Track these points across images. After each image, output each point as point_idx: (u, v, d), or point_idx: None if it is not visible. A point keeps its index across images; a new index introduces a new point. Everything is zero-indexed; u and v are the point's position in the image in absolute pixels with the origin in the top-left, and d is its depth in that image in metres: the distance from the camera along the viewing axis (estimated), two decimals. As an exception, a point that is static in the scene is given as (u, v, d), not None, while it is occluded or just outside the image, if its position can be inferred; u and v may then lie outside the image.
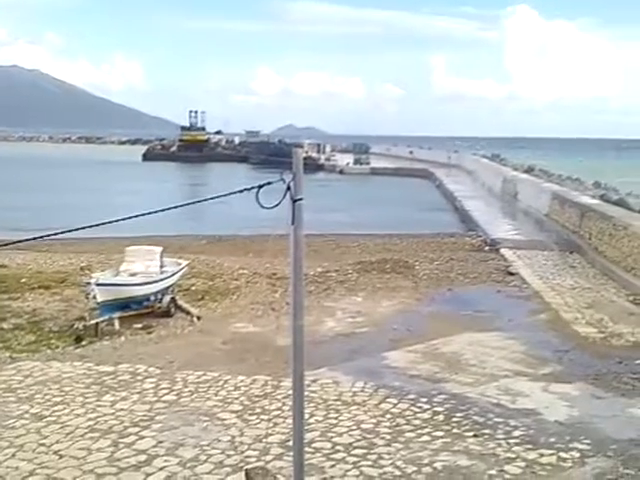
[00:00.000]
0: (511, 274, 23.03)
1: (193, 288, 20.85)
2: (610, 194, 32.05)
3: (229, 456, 9.86)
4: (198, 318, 17.66)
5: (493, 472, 9.44)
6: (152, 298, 17.95)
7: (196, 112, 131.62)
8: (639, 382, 12.89)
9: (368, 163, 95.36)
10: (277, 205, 5.03)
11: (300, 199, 5.14)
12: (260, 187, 4.95)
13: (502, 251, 27.33)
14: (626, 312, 18.10)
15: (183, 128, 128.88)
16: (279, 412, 11.28)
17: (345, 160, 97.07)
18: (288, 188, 5.08)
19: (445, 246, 29.58)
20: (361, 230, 35.10)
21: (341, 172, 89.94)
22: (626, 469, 9.45)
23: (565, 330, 16.51)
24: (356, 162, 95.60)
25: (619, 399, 12.18)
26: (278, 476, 7.24)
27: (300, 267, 5.39)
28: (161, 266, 18.86)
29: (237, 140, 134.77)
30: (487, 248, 28.71)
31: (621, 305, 18.90)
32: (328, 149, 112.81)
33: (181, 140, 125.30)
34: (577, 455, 9.95)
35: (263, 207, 4.99)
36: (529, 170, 53.85)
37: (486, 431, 10.78)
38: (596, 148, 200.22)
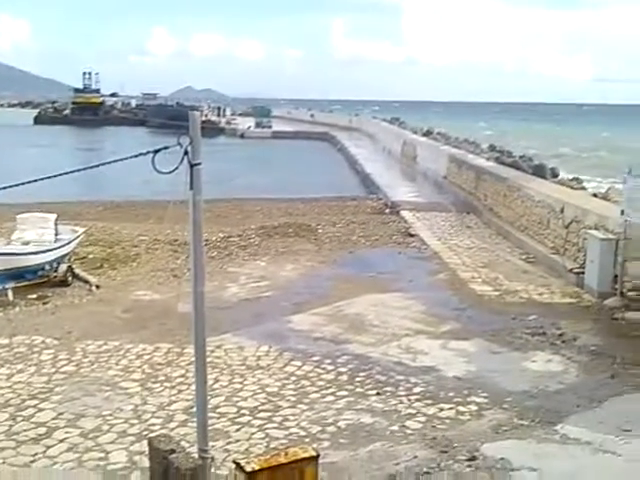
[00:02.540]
0: (411, 236, 23.52)
1: (91, 256, 20.24)
2: (504, 157, 33.06)
3: (132, 425, 9.74)
4: (97, 287, 17.20)
5: (395, 428, 9.70)
6: (47, 267, 17.34)
7: (90, 74, 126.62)
8: (532, 337, 13.50)
9: (270, 127, 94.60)
10: (174, 170, 4.88)
11: (198, 164, 5.01)
12: (156, 152, 4.79)
13: (402, 213, 27.84)
14: (520, 270, 18.86)
15: (76, 90, 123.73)
16: (183, 379, 11.19)
17: (246, 124, 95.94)
18: (186, 153, 4.94)
19: (347, 209, 29.84)
20: (263, 194, 34.93)
21: (242, 136, 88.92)
22: (521, 420, 9.91)
23: (463, 289, 17.06)
24: (257, 126, 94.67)
25: (514, 354, 12.73)
26: (182, 443, 7.18)
27: (200, 233, 5.29)
28: (56, 234, 18.22)
29: (134, 103, 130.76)
30: (388, 211, 29.16)
31: (515, 264, 19.66)
32: (228, 112, 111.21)
33: (74, 103, 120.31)
34: (475, 408, 10.35)
35: (160, 172, 4.83)
36: (428, 133, 54.82)
37: (388, 389, 11.06)
38: (490, 112, 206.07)
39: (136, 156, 5.01)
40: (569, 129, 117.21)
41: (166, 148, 4.92)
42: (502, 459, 8.47)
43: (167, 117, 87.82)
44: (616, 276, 15.70)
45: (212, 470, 7.31)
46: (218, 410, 10.18)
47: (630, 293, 15.07)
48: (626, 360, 12.17)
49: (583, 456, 8.69)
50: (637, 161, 16.85)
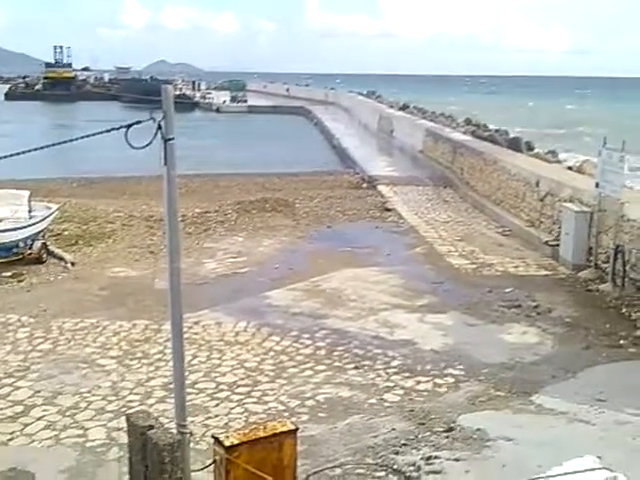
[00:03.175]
0: (388, 210, 23.55)
1: (66, 233, 20.03)
2: (480, 130, 33.12)
3: (110, 402, 9.72)
4: (72, 264, 17.04)
5: (373, 401, 9.78)
6: (21, 244, 17.13)
7: (61, 47, 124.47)
8: (508, 309, 13.63)
9: (245, 101, 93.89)
10: (148, 145, 4.81)
11: (171, 138, 4.94)
12: (129, 126, 4.71)
13: (379, 188, 27.84)
14: (496, 243, 18.99)
15: (48, 65, 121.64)
16: (161, 355, 11.18)
17: (221, 98, 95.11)
18: (159, 127, 4.86)
19: (324, 184, 29.78)
20: (240, 169, 34.73)
21: (218, 110, 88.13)
22: (497, 391, 10.03)
23: (440, 262, 17.15)
24: (233, 100, 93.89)
25: (490, 326, 12.86)
26: (161, 419, 7.19)
27: (175, 208, 5.23)
28: (29, 211, 17.97)
29: (107, 77, 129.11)
30: (365, 185, 29.14)
31: (491, 237, 19.79)
32: (203, 86, 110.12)
33: (46, 78, 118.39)
34: (451, 380, 10.46)
35: (133, 147, 4.76)
36: (404, 107, 54.75)
37: (366, 363, 11.12)
38: (472, 84, 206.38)
39: (108, 131, 4.92)
40: (541, 101, 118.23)
41: (139, 123, 4.84)
42: (479, 430, 8.57)
43: (141, 91, 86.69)
44: (591, 248, 15.87)
45: (191, 445, 7.32)
46: (197, 386, 10.19)
47: (604, 265, 15.24)
48: (600, 331, 12.34)
49: (558, 426, 8.82)
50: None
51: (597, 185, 15.78)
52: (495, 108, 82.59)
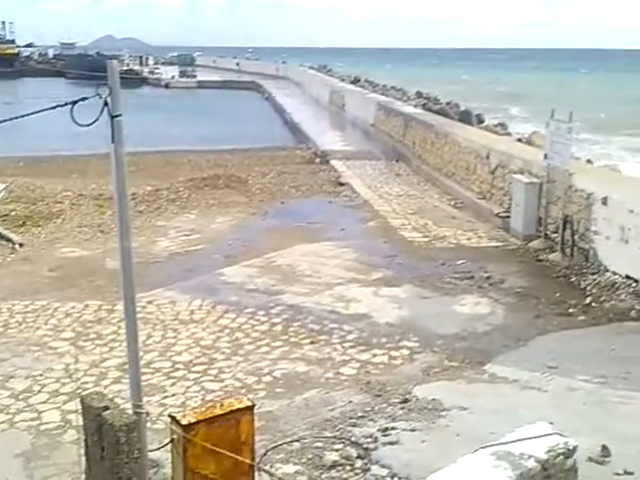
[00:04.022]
0: (341, 184, 23.57)
1: (13, 213, 19.56)
2: (431, 104, 33.31)
3: (64, 384, 9.59)
4: (20, 245, 16.68)
5: (330, 375, 9.85)
6: (-33, 226, 16.70)
7: (3, 23, 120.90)
8: (461, 281, 13.81)
9: (195, 76, 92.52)
10: (94, 122, 4.69)
11: (119, 115, 4.82)
12: (74, 103, 4.58)
13: (332, 162, 27.82)
14: (448, 216, 19.18)
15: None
16: (115, 336, 11.06)
17: (170, 73, 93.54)
18: (106, 104, 4.74)
19: (277, 159, 29.63)
20: (191, 146, 34.32)
21: (167, 86, 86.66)
22: (451, 362, 10.19)
23: (393, 236, 17.26)
24: (182, 75, 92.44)
25: (443, 298, 13.02)
26: (116, 399, 7.14)
27: (124, 186, 5.13)
28: (-26, 192, 17.52)
29: (51, 53, 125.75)
30: (318, 160, 29.09)
31: (443, 210, 19.98)
32: (151, 62, 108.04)
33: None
34: (407, 353, 10.58)
35: (79, 125, 4.63)
36: (355, 81, 54.71)
37: (322, 337, 11.18)
38: (420, 57, 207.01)
39: (54, 108, 4.79)
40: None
41: (84, 99, 4.72)
42: (434, 400, 8.70)
43: (87, 67, 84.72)
44: (540, 219, 16.14)
45: (148, 425, 7.27)
46: (152, 365, 10.12)
47: (554, 235, 15.52)
48: (550, 300, 12.60)
49: (511, 394, 9.00)
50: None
51: (546, 156, 16.01)
52: (428, 80, 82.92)
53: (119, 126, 4.89)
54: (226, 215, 19.56)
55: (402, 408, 8.59)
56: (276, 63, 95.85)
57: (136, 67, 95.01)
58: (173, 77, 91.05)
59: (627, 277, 12.72)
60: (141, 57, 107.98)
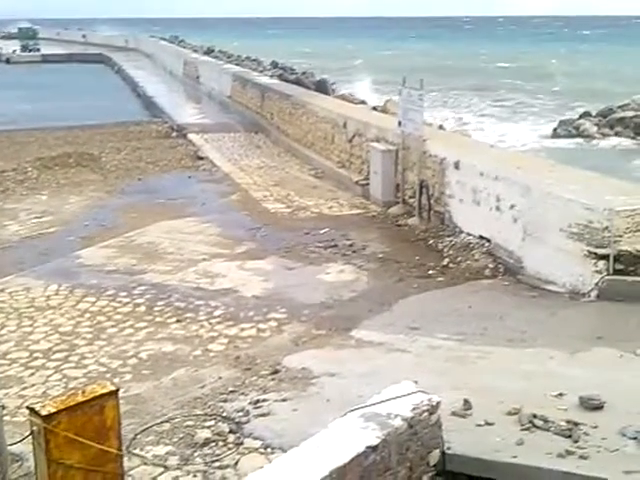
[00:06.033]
0: (200, 158, 23.18)
1: None
2: (287, 74, 33.31)
3: None
4: None
5: (198, 352, 9.71)
6: None
7: None
8: (325, 250, 13.97)
9: (38, 50, 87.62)
10: None
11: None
12: None
13: (190, 136, 27.26)
14: (310, 186, 19.33)
15: None
16: (-36, 329, 10.37)
17: (11, 48, 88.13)
18: None
19: (131, 135, 28.64)
20: (38, 123, 32.52)
21: (8, 61, 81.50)
22: (318, 330, 10.31)
23: (256, 208, 17.20)
24: (24, 49, 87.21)
25: (308, 267, 13.13)
26: (-30, 397, 6.76)
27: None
28: None
29: None
30: (175, 134, 28.41)
31: (305, 180, 20.11)
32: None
33: None
34: (274, 324, 10.60)
35: None
36: (209, 51, 53.82)
37: (188, 315, 10.99)
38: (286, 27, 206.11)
39: None
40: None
41: None
42: (303, 369, 8.80)
43: None
44: (398, 185, 16.59)
45: (6, 418, 6.90)
46: (8, 356, 9.60)
47: (411, 200, 16.00)
48: (411, 264, 13.00)
49: (377, 357, 9.24)
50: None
51: (400, 124, 16.41)
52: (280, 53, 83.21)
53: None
54: (80, 195, 18.74)
55: (273, 379, 8.62)
56: (123, 35, 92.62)
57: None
58: (14, 51, 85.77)
59: (480, 237, 13.31)
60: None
